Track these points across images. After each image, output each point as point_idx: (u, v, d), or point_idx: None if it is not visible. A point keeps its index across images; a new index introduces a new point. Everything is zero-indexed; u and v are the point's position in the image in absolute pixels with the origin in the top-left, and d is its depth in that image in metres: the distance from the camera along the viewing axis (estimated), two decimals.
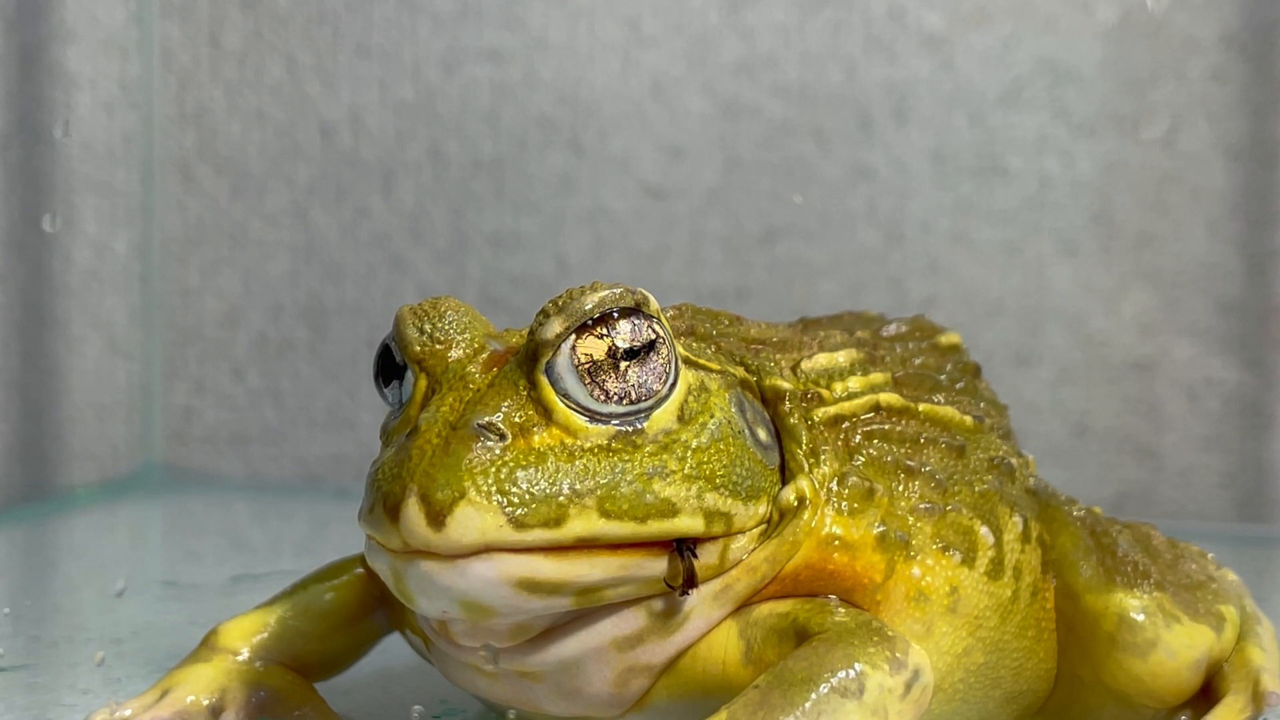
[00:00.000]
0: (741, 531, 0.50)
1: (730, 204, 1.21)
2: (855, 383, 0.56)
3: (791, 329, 0.62)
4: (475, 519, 0.46)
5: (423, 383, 0.51)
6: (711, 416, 0.51)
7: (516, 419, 0.48)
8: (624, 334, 0.49)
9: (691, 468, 0.49)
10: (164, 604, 0.83)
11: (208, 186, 1.33)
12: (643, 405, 0.49)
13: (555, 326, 0.48)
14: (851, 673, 0.47)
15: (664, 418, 0.49)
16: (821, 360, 0.57)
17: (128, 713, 0.57)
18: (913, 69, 1.17)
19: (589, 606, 0.49)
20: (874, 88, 1.17)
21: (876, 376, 0.57)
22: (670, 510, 0.48)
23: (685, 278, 1.21)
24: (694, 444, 0.50)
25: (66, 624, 0.80)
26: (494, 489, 0.46)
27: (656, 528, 0.48)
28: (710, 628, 0.51)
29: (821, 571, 0.52)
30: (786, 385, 0.54)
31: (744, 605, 0.52)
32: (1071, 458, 1.13)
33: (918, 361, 0.61)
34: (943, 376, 0.61)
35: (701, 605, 0.51)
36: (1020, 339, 1.15)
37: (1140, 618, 0.56)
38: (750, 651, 0.51)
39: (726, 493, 0.50)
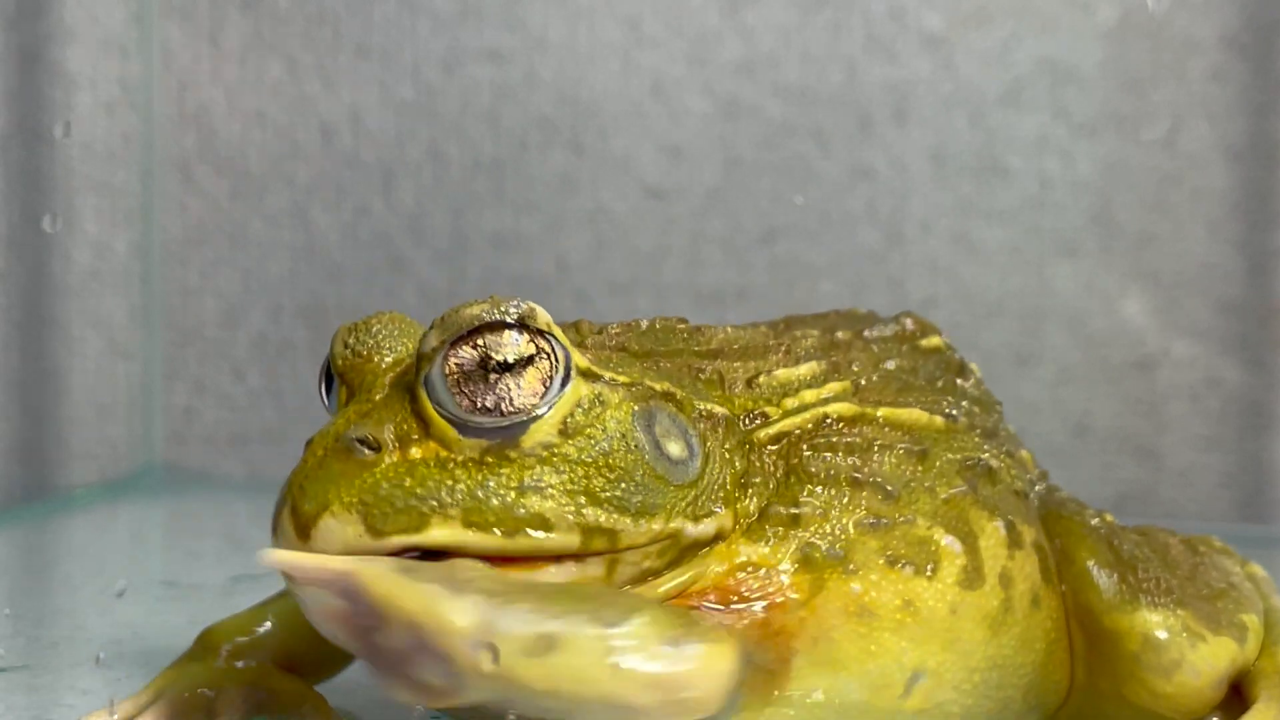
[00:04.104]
0: (631, 548, 0.49)
1: (730, 204, 1.21)
2: (808, 395, 0.56)
3: (767, 331, 0.61)
4: (336, 530, 0.47)
5: (343, 395, 0.52)
6: (603, 430, 0.50)
7: (395, 431, 0.49)
8: (500, 347, 0.48)
9: (572, 482, 0.48)
10: (164, 604, 0.83)
11: (208, 186, 1.33)
12: (517, 418, 0.48)
13: (433, 339, 0.49)
14: (626, 615, 0.45)
15: (543, 430, 0.49)
16: (780, 375, 0.56)
17: (122, 715, 0.57)
18: (913, 69, 1.17)
19: None
20: (874, 88, 1.17)
21: (834, 386, 0.56)
22: (543, 525, 0.48)
23: (685, 278, 1.21)
24: (577, 458, 0.49)
25: (66, 624, 0.80)
26: (356, 500, 0.47)
27: (526, 543, 0.48)
28: None
29: (734, 594, 0.51)
30: (720, 410, 0.53)
31: None
32: (1071, 458, 1.13)
33: (891, 364, 0.60)
34: (918, 377, 0.60)
35: None
36: (1020, 339, 1.15)
37: (1164, 639, 0.55)
38: None
39: (612, 508, 0.49)
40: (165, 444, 1.34)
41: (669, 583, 0.50)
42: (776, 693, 0.50)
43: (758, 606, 0.50)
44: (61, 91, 1.22)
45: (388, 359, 0.53)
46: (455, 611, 0.44)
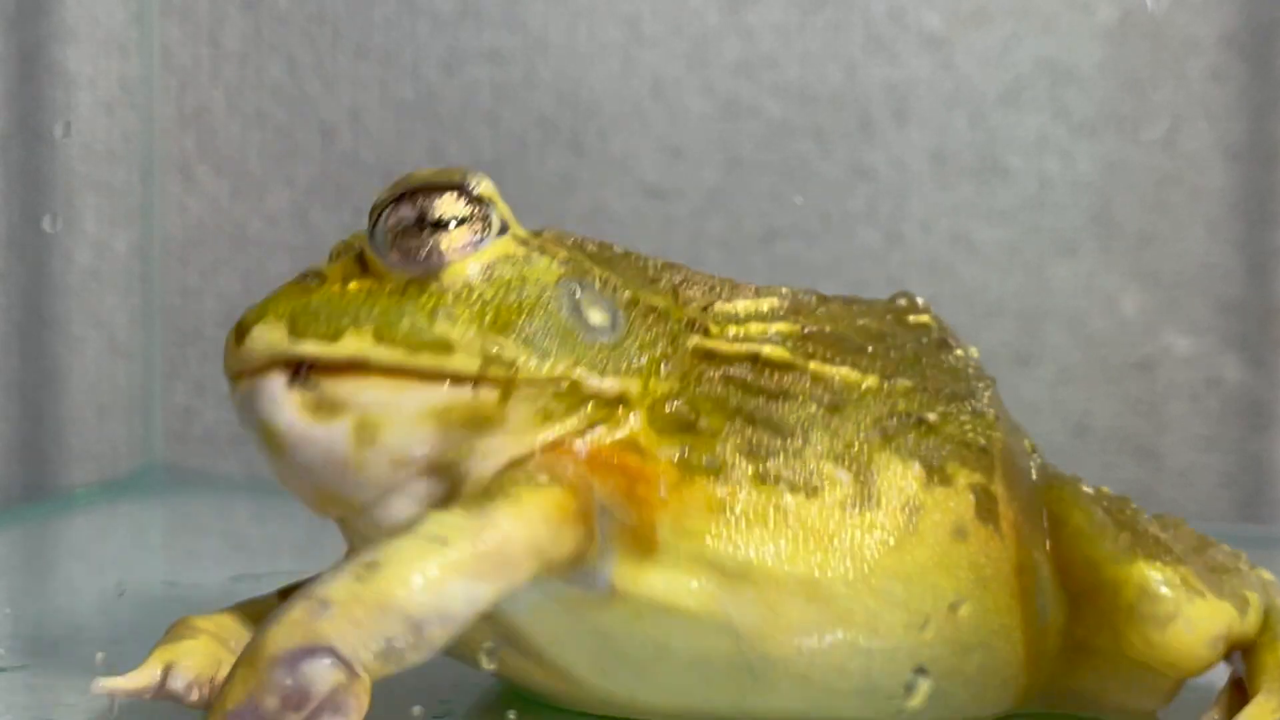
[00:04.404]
0: (529, 382, 0.52)
1: (730, 204, 1.21)
2: (752, 328, 0.58)
3: (747, 285, 0.63)
4: (264, 333, 0.54)
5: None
6: (523, 282, 0.54)
7: (342, 270, 0.55)
8: (437, 206, 0.54)
9: (482, 315, 0.53)
10: (164, 604, 0.83)
11: (208, 186, 1.33)
12: (441, 258, 0.53)
13: (383, 195, 0.54)
14: (421, 523, 0.50)
15: (465, 270, 0.54)
16: (739, 305, 0.59)
17: (133, 685, 0.57)
18: (913, 69, 1.17)
19: (369, 447, 0.52)
20: (874, 88, 1.17)
21: (781, 327, 0.59)
22: (445, 346, 0.52)
23: None
24: (491, 298, 0.53)
25: (66, 624, 0.79)
26: (287, 312, 0.54)
27: (428, 360, 0.52)
28: None
29: (608, 461, 0.54)
30: (659, 304, 0.57)
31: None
32: (1071, 458, 1.12)
33: (860, 323, 0.61)
34: (881, 342, 0.61)
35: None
36: (1020, 339, 1.15)
37: (1162, 589, 0.56)
38: None
39: (515, 343, 0.52)
40: (165, 444, 1.34)
41: (561, 427, 0.53)
42: (650, 544, 0.53)
43: (626, 479, 0.53)
44: (61, 91, 1.22)
45: None
46: (298, 614, 0.48)
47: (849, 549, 0.55)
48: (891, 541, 0.55)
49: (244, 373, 0.55)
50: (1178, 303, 1.13)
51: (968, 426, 0.60)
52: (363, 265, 0.55)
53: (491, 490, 0.52)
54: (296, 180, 1.31)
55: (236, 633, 0.61)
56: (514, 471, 0.53)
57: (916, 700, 0.56)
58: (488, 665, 0.59)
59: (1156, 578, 0.56)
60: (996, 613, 0.57)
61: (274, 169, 1.31)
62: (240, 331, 0.55)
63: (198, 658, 0.59)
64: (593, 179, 1.23)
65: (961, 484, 0.58)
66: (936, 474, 0.57)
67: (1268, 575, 0.65)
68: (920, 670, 0.56)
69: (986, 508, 0.58)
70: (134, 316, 1.32)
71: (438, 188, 0.54)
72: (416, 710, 0.61)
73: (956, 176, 1.16)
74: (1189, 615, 0.56)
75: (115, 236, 1.29)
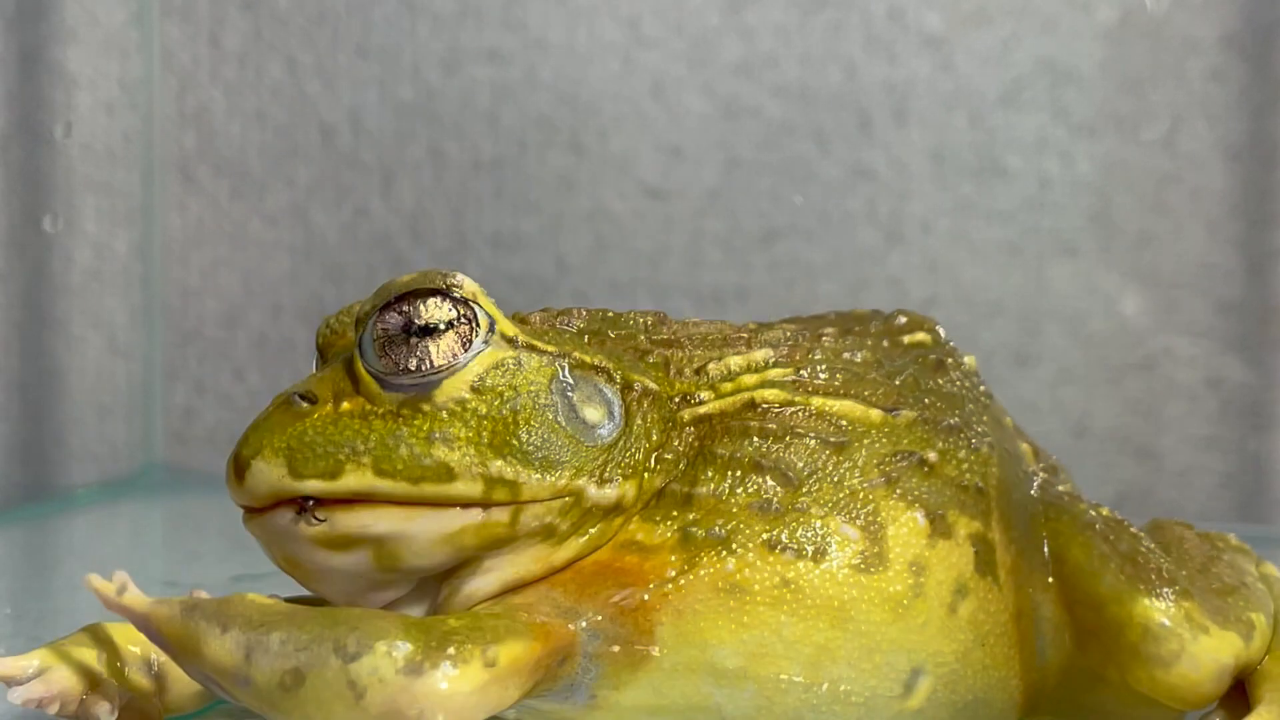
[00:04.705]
0: (534, 500, 0.52)
1: (730, 204, 1.21)
2: (746, 379, 0.57)
3: (751, 326, 0.62)
4: (264, 471, 0.52)
5: (316, 367, 0.58)
6: (515, 390, 0.53)
7: (333, 389, 0.53)
8: (423, 312, 0.52)
9: (479, 435, 0.52)
10: None
11: (208, 186, 1.33)
12: (432, 375, 0.52)
13: (366, 305, 0.54)
14: (365, 642, 0.47)
15: (455, 387, 0.52)
16: (733, 362, 0.58)
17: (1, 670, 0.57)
18: (913, 69, 1.17)
19: (393, 570, 0.52)
20: (874, 88, 1.17)
21: (774, 372, 0.58)
22: (447, 474, 0.51)
23: (685, 278, 1.21)
24: (486, 413, 0.52)
25: (67, 624, 0.79)
26: (284, 446, 0.52)
27: (431, 490, 0.51)
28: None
29: (608, 567, 0.53)
30: (651, 385, 0.56)
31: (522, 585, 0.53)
32: (1071, 458, 1.13)
33: (852, 356, 0.60)
34: (879, 370, 0.60)
35: (492, 586, 0.53)
36: (1020, 339, 1.15)
37: (1166, 629, 0.55)
38: None
39: (515, 461, 0.52)
40: (165, 444, 1.34)
41: (564, 551, 0.53)
42: (643, 658, 0.52)
43: (617, 594, 0.52)
44: (62, 92, 1.22)
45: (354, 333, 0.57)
46: (221, 650, 0.48)
47: (858, 624, 0.54)
48: (900, 609, 0.54)
49: (250, 508, 0.55)
50: (1178, 303, 1.13)
51: (965, 466, 0.59)
52: (353, 378, 0.53)
53: (471, 626, 0.50)
54: (296, 180, 1.31)
55: (136, 655, 0.60)
56: (494, 608, 0.52)
57: None
58: None
59: (1160, 619, 0.55)
60: (994, 667, 0.57)
61: (274, 169, 1.31)
62: (239, 467, 0.54)
63: (75, 671, 0.58)
64: (593, 179, 1.23)
65: (962, 535, 0.57)
66: (938, 524, 0.56)
67: (1273, 571, 0.64)
68: None
69: (985, 559, 0.57)
70: (134, 316, 1.32)
71: (421, 294, 0.53)
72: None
73: (956, 176, 1.16)
74: (1194, 653, 0.55)
75: (115, 236, 1.29)
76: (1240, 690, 0.58)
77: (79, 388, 1.25)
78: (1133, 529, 0.60)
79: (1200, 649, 0.55)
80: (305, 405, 0.53)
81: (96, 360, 1.27)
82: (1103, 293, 1.14)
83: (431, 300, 0.53)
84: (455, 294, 0.53)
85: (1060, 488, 0.65)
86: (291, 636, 0.47)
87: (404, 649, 0.47)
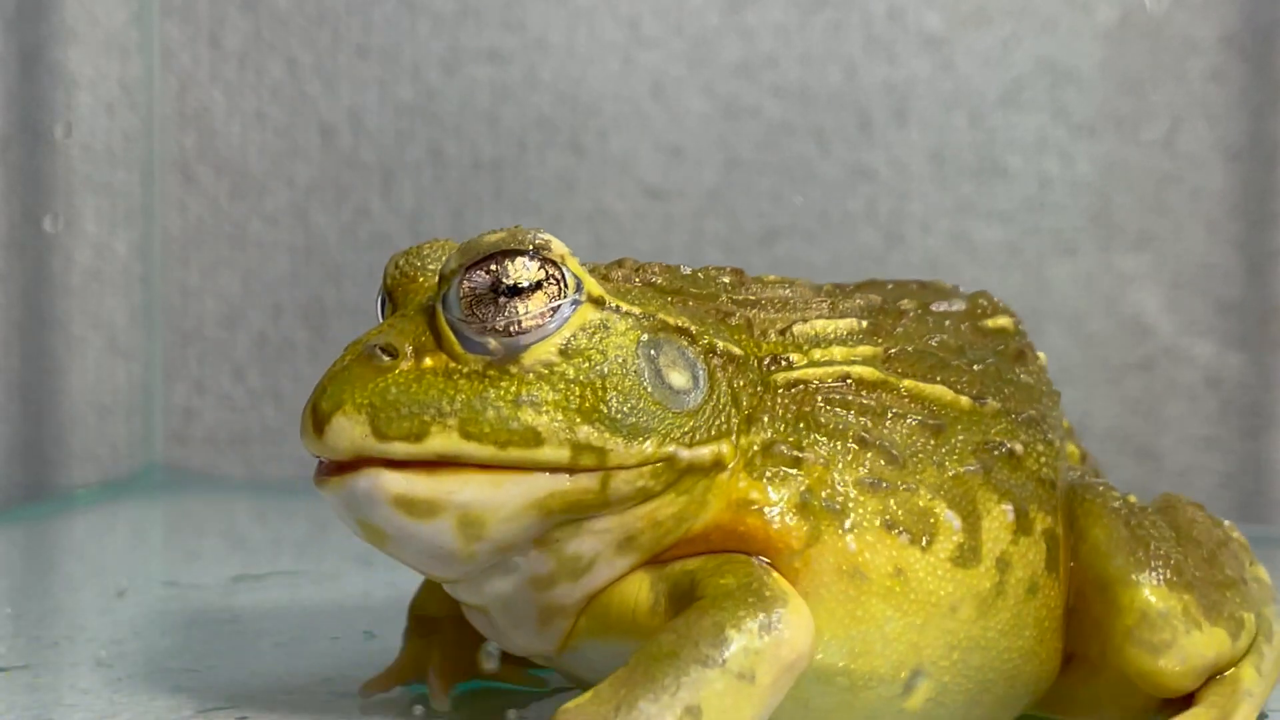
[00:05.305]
0: (622, 467, 0.51)
1: (730, 204, 1.21)
2: (837, 351, 0.57)
3: (827, 288, 0.62)
4: (346, 428, 0.50)
5: (389, 311, 0.56)
6: (603, 354, 0.52)
7: (414, 342, 0.52)
8: (511, 271, 0.51)
9: (567, 400, 0.51)
10: (164, 604, 0.84)
11: (208, 187, 1.33)
12: (521, 338, 0.51)
13: (453, 263, 0.52)
14: (716, 641, 0.48)
15: (544, 350, 0.51)
16: (817, 325, 0.57)
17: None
18: (913, 69, 1.17)
19: (476, 539, 0.51)
20: (874, 88, 1.17)
21: (865, 349, 0.57)
22: (534, 439, 0.50)
23: None
24: (574, 377, 0.51)
25: (67, 624, 0.80)
26: (367, 402, 0.50)
27: (517, 454, 0.50)
28: (618, 575, 0.53)
29: (733, 533, 0.52)
30: (736, 350, 0.55)
31: (658, 559, 0.53)
32: None
33: (937, 339, 0.60)
34: (963, 356, 0.60)
35: (605, 552, 0.52)
36: None
37: (1161, 618, 0.56)
38: (657, 605, 0.52)
39: (603, 428, 0.51)
40: (165, 444, 1.34)
41: (666, 507, 0.52)
42: None
43: (763, 551, 0.52)
44: (62, 92, 1.22)
45: (432, 280, 0.56)
46: None
47: (948, 621, 0.54)
48: (984, 607, 0.55)
49: (327, 461, 0.52)
50: (1177, 303, 1.13)
51: (1043, 460, 0.59)
52: (435, 333, 0.52)
53: (726, 591, 0.50)
54: (296, 180, 1.31)
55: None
56: (712, 564, 0.51)
57: None
58: (488, 666, 0.59)
59: (1158, 607, 0.55)
60: (1048, 661, 0.57)
61: (274, 169, 1.31)
62: (318, 420, 0.51)
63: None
64: (593, 179, 1.23)
65: (1038, 531, 0.57)
66: (1022, 520, 0.56)
67: (1264, 575, 0.64)
68: None
69: (1053, 555, 0.57)
70: (134, 316, 1.32)
71: (509, 253, 0.52)
72: (418, 710, 0.61)
73: (956, 176, 1.16)
74: (1183, 646, 0.56)
75: (115, 236, 1.29)
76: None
77: (79, 388, 1.25)
78: (1154, 518, 0.60)
79: (1190, 643, 0.56)
80: (386, 359, 0.51)
81: (96, 360, 1.27)
82: (1102, 293, 1.14)
83: (520, 260, 0.52)
84: (544, 255, 0.52)
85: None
86: (655, 685, 0.47)
87: (746, 619, 0.48)
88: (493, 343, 0.51)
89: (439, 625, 0.65)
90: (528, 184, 1.25)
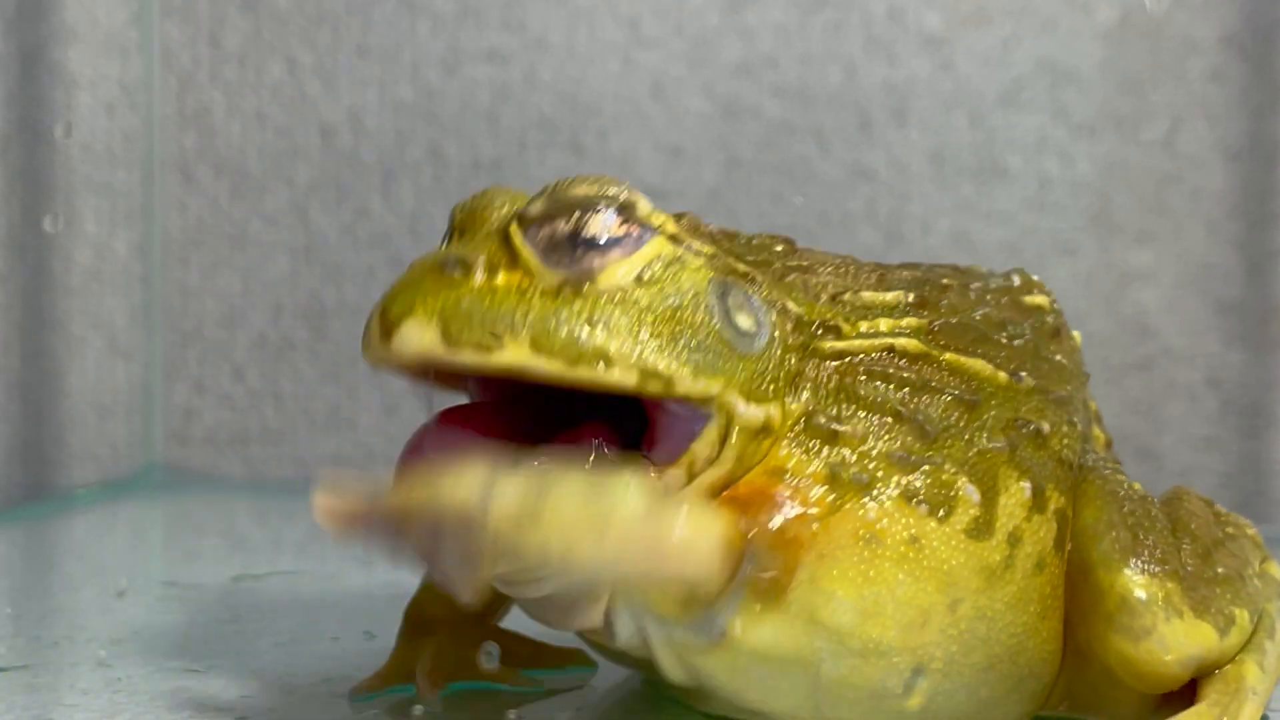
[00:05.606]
0: (686, 398, 0.51)
1: (730, 204, 1.21)
2: (883, 323, 0.57)
3: (871, 264, 0.62)
4: (415, 333, 0.49)
5: (455, 237, 0.56)
6: (677, 287, 0.53)
7: (486, 259, 0.51)
8: (592, 225, 0.52)
9: (639, 325, 0.51)
10: (164, 604, 0.83)
11: (208, 187, 1.33)
12: (598, 256, 0.52)
13: (536, 208, 0.52)
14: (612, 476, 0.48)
15: (619, 273, 0.52)
16: (865, 296, 0.58)
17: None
18: (912, 69, 1.17)
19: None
20: (874, 88, 1.17)
21: (910, 321, 0.58)
22: (604, 358, 0.50)
23: None
24: (647, 305, 0.52)
25: (67, 624, 0.80)
26: (438, 310, 0.50)
27: (586, 373, 0.50)
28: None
29: (763, 494, 0.53)
30: (794, 307, 0.56)
31: None
32: None
33: (979, 313, 0.60)
34: (1003, 331, 0.60)
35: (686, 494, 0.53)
36: None
37: (1141, 604, 0.55)
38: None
39: (671, 357, 0.51)
40: (165, 444, 1.34)
41: (716, 467, 0.52)
42: (777, 601, 0.52)
43: (778, 518, 0.52)
44: (62, 92, 1.22)
45: (501, 212, 0.55)
46: (460, 485, 0.46)
47: (956, 589, 0.54)
48: (991, 579, 0.55)
49: (388, 365, 0.52)
50: (1177, 303, 1.13)
51: (1066, 441, 0.59)
52: (509, 251, 0.52)
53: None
54: (296, 180, 1.31)
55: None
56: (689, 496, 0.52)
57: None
58: (486, 666, 0.58)
59: (1138, 593, 0.55)
60: (1049, 641, 0.57)
61: (274, 169, 1.31)
62: (385, 325, 0.50)
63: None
64: None
65: (1051, 510, 0.57)
66: (1038, 498, 0.57)
67: (1275, 572, 0.63)
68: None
69: (1061, 535, 0.58)
70: (134, 316, 1.32)
71: (593, 205, 0.52)
72: (417, 711, 0.61)
73: (956, 176, 1.16)
74: (1163, 634, 0.55)
75: (115, 237, 1.29)
76: (1191, 686, 0.58)
77: (79, 388, 1.25)
78: (1152, 507, 0.60)
79: (1171, 631, 0.55)
80: (459, 273, 0.51)
81: (96, 360, 1.27)
82: (1103, 293, 1.14)
83: (603, 215, 0.52)
84: (629, 211, 0.53)
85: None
86: (536, 473, 0.47)
87: (654, 488, 0.49)
88: (570, 260, 0.51)
89: (434, 627, 0.65)
90: (528, 184, 1.24)
